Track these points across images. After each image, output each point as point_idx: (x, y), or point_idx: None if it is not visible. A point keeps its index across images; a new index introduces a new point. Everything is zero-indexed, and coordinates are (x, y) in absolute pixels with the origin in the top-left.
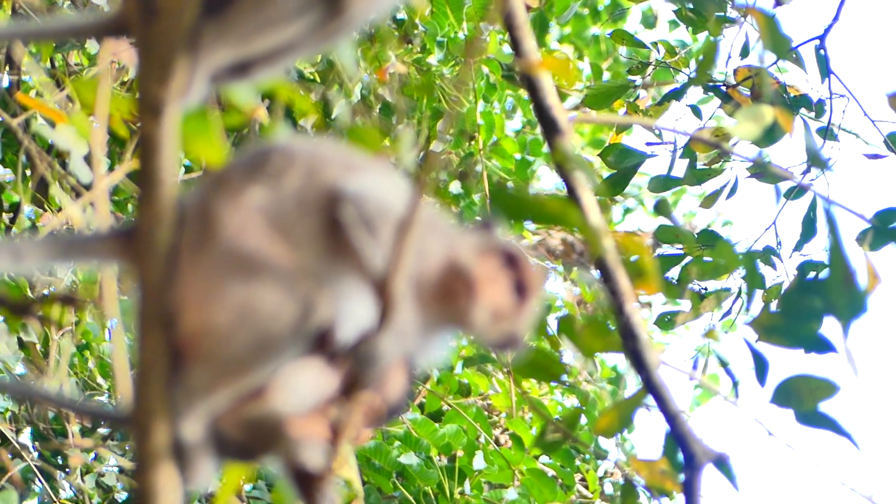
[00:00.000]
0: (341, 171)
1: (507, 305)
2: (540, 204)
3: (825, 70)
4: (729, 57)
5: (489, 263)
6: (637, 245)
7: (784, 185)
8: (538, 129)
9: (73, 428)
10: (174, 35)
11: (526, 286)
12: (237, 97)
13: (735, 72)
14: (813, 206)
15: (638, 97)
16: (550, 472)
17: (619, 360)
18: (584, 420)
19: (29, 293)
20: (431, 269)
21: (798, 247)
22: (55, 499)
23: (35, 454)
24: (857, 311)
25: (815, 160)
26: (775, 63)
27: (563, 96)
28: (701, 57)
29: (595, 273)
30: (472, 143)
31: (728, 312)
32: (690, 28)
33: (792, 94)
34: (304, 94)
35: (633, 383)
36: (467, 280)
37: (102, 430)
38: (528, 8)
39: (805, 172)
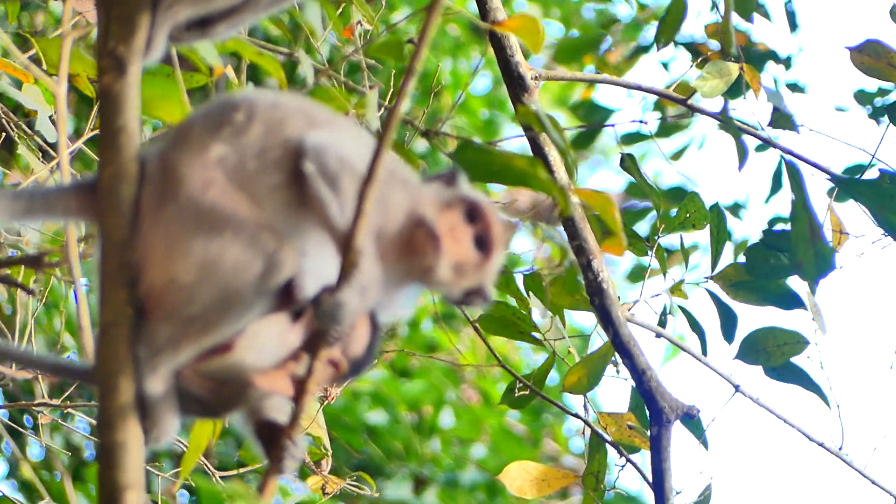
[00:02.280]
0: (304, 126)
1: (471, 260)
2: (506, 162)
3: (793, 23)
4: (699, 12)
5: (452, 217)
6: (604, 202)
7: (752, 140)
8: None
9: (42, 387)
10: None
11: (490, 240)
12: (200, 58)
13: (705, 27)
14: (780, 161)
15: (609, 51)
16: (519, 428)
17: (584, 319)
18: (552, 377)
19: None
20: (394, 222)
21: (766, 201)
22: (24, 457)
23: (2, 413)
24: (825, 268)
25: (780, 119)
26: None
27: (527, 54)
28: (665, 13)
29: (562, 231)
30: (437, 99)
31: (695, 267)
32: None
33: (760, 50)
34: (268, 54)
35: (599, 342)
36: (430, 234)
37: (70, 389)
38: None
39: (770, 124)
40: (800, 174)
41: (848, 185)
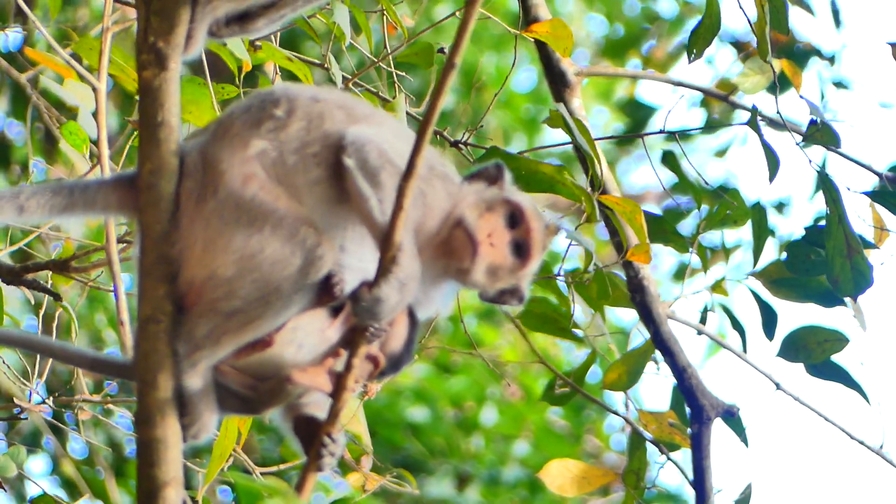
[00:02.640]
0: (344, 120)
1: (507, 265)
2: (533, 168)
3: (838, 20)
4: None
5: (493, 220)
6: (631, 210)
7: (795, 137)
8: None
9: (84, 382)
10: None
11: (529, 246)
12: (230, 55)
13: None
14: (822, 163)
15: (653, 47)
16: (561, 424)
17: (625, 316)
18: (593, 373)
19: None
20: (434, 219)
21: (810, 198)
22: (65, 452)
23: (45, 409)
24: (863, 285)
25: (816, 134)
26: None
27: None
28: (698, 25)
29: (600, 229)
30: (478, 95)
31: (737, 265)
32: None
33: (804, 47)
34: (298, 60)
35: (638, 338)
36: (468, 236)
37: (111, 385)
38: None
39: (804, 139)
40: (835, 188)
41: (883, 195)
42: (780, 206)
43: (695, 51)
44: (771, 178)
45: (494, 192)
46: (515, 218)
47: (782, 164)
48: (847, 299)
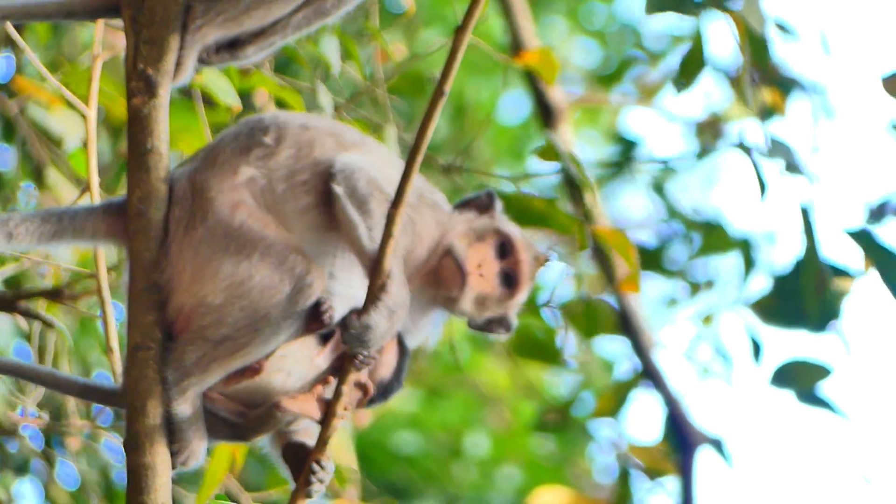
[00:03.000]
0: (333, 148)
1: (496, 295)
2: (524, 203)
3: (826, 50)
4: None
5: (483, 250)
6: (622, 241)
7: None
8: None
9: (71, 408)
10: (166, 14)
11: (518, 277)
12: (217, 96)
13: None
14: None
15: (642, 76)
16: (549, 446)
17: (614, 346)
18: (583, 399)
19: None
20: (423, 247)
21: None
22: (54, 479)
23: (31, 435)
24: (830, 318)
25: (792, 169)
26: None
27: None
28: (684, 57)
29: (592, 259)
30: (465, 120)
31: (725, 295)
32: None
33: (791, 77)
34: (289, 88)
35: (626, 366)
36: (457, 266)
37: (101, 413)
38: None
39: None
40: (811, 222)
41: (859, 236)
42: (767, 235)
43: (682, 82)
44: (762, 197)
45: (485, 221)
46: (505, 248)
47: (770, 195)
48: (832, 326)
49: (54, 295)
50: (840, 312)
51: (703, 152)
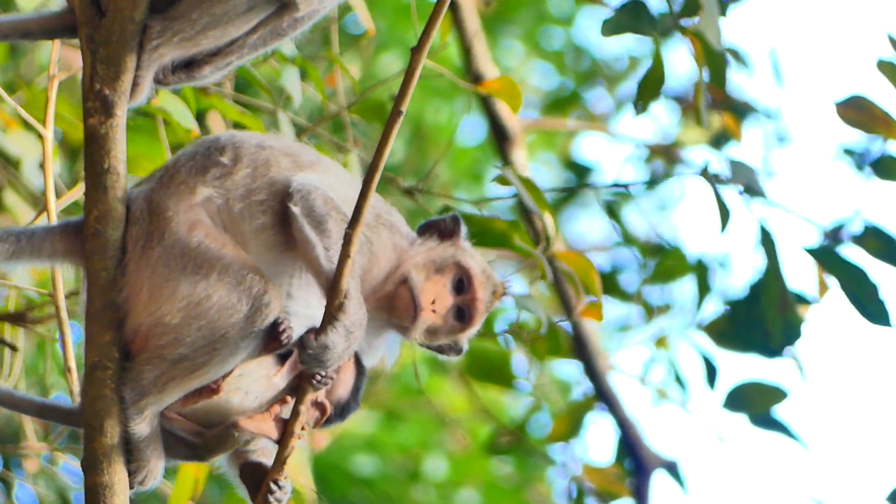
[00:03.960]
0: (290, 167)
1: (447, 328)
2: (486, 225)
3: (778, 76)
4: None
5: (439, 283)
6: (584, 266)
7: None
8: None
9: (29, 430)
10: (123, 34)
11: (471, 314)
12: (175, 121)
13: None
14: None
15: (596, 102)
16: (507, 469)
17: (568, 369)
18: (538, 422)
19: None
20: (379, 269)
21: (756, 249)
22: (11, 501)
23: None
24: (792, 338)
25: (751, 189)
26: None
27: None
28: (643, 79)
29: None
30: (423, 144)
31: (679, 318)
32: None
33: (746, 103)
34: (249, 114)
35: (580, 389)
36: (412, 298)
37: (58, 434)
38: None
39: (742, 193)
40: (773, 241)
41: (821, 254)
42: (722, 260)
43: (641, 103)
44: (723, 229)
45: (447, 250)
46: (462, 284)
47: (730, 223)
48: (788, 351)
49: (16, 319)
50: (801, 333)
51: (658, 177)
